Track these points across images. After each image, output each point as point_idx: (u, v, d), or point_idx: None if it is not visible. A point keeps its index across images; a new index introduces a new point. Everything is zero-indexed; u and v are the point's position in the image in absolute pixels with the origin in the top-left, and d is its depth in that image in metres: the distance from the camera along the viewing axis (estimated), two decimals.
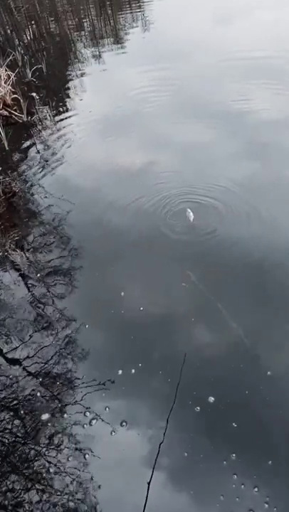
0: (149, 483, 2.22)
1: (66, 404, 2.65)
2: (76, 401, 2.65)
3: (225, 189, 4.07)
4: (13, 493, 2.31)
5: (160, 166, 4.55)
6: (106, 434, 2.46)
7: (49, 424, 2.55)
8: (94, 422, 2.52)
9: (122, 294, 3.24)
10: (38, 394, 2.72)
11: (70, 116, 6.08)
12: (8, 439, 2.55)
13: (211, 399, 2.51)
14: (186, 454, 2.33)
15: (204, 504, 2.17)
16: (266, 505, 2.11)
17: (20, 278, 3.64)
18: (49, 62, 7.97)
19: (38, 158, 5.18)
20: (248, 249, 3.44)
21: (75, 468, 2.36)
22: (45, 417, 2.59)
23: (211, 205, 3.92)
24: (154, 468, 2.27)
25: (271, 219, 3.69)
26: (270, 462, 2.25)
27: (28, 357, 2.97)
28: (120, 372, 2.73)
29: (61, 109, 6.33)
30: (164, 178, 4.34)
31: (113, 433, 2.46)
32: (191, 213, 3.77)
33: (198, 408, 2.48)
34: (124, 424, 2.49)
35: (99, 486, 2.28)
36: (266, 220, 3.69)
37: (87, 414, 2.57)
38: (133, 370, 2.73)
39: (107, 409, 2.58)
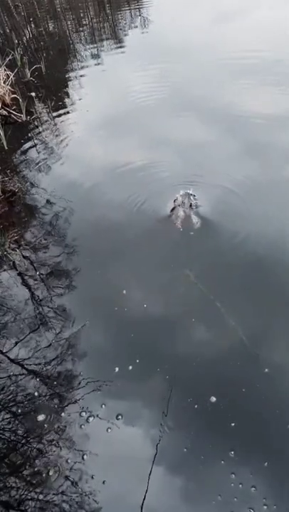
0: (148, 483, 2.22)
1: (65, 402, 2.65)
2: (75, 398, 2.65)
3: (224, 187, 4.06)
4: (12, 492, 2.32)
5: (159, 164, 4.54)
6: (103, 431, 2.46)
7: (47, 422, 2.56)
8: (91, 419, 2.52)
9: (124, 292, 3.24)
10: (36, 393, 2.72)
11: (69, 116, 6.07)
12: (6, 439, 2.55)
13: (209, 397, 2.51)
14: (183, 453, 2.32)
15: (203, 503, 2.17)
16: (265, 507, 2.11)
17: (20, 277, 3.64)
18: (48, 62, 7.97)
19: (37, 158, 5.18)
20: (247, 247, 3.44)
21: (73, 465, 2.36)
22: (43, 415, 2.59)
23: (210, 203, 3.92)
24: (151, 469, 2.27)
25: (271, 217, 3.68)
26: (267, 461, 2.25)
27: (27, 355, 2.97)
28: (117, 369, 2.74)
29: (60, 109, 6.32)
30: (162, 175, 4.34)
31: (109, 430, 2.46)
32: (181, 196, 3.82)
33: (196, 406, 2.48)
34: (120, 420, 2.49)
35: (96, 484, 2.28)
36: (266, 218, 3.69)
37: (85, 411, 2.57)
38: (130, 367, 2.73)
39: (104, 406, 2.58)
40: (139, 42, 8.54)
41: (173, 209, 3.87)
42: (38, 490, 2.30)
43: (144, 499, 2.17)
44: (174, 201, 3.89)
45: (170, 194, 4.05)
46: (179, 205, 3.85)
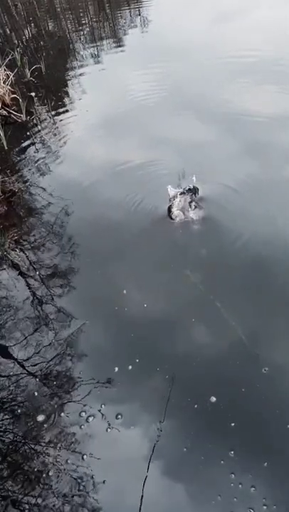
0: (143, 483, 2.22)
1: (64, 402, 2.65)
2: (75, 398, 2.65)
3: (225, 186, 4.06)
4: (12, 493, 2.32)
5: (158, 163, 4.54)
6: (102, 430, 2.46)
7: (46, 422, 2.56)
8: (91, 419, 2.52)
9: (124, 292, 3.24)
10: (36, 393, 2.73)
11: (69, 116, 6.07)
12: (6, 439, 2.56)
13: (209, 397, 2.51)
14: (183, 453, 2.32)
15: (202, 503, 2.18)
16: (265, 507, 2.10)
17: (20, 277, 3.64)
18: (48, 62, 7.96)
19: (37, 158, 5.18)
20: (248, 247, 3.44)
21: (73, 466, 2.36)
22: (42, 415, 2.59)
23: (210, 202, 3.92)
24: (148, 468, 2.27)
25: (272, 217, 3.68)
26: (267, 461, 2.25)
27: (27, 355, 2.97)
28: (117, 369, 2.74)
29: (60, 109, 6.32)
30: (162, 174, 4.34)
31: (108, 430, 2.46)
32: (171, 189, 3.80)
33: (196, 406, 2.48)
34: (119, 419, 2.49)
35: (97, 483, 2.28)
36: (267, 217, 3.68)
37: (85, 411, 2.57)
38: (130, 367, 2.74)
39: (103, 406, 2.58)
40: (139, 41, 8.53)
41: (172, 208, 3.87)
42: (37, 490, 2.30)
43: (143, 499, 2.17)
44: (174, 199, 3.88)
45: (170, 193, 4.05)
46: (178, 204, 3.84)
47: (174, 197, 3.83)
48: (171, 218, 3.80)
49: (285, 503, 2.11)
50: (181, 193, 3.83)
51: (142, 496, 2.19)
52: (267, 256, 3.32)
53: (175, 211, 3.79)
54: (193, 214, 3.79)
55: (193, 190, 3.90)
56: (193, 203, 3.83)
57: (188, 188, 3.88)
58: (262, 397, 2.50)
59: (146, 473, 2.27)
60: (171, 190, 3.81)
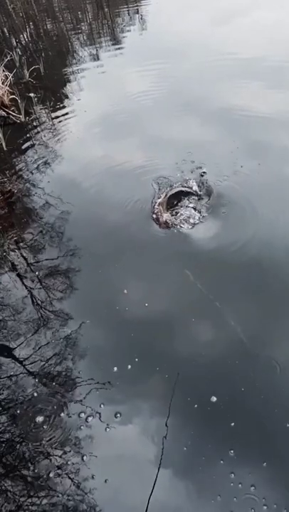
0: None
1: (64, 402, 2.65)
2: (74, 398, 2.66)
3: (224, 186, 4.06)
4: (12, 494, 2.32)
5: (158, 164, 4.54)
6: (102, 430, 2.46)
7: (46, 423, 2.56)
8: (90, 418, 2.53)
9: (125, 291, 3.24)
10: (35, 393, 2.73)
11: (68, 116, 6.07)
12: (5, 440, 2.56)
13: (209, 396, 2.51)
14: (183, 452, 2.33)
15: (202, 502, 2.18)
16: (265, 507, 2.10)
17: (19, 278, 3.64)
18: (47, 63, 7.96)
19: (36, 158, 5.18)
20: (247, 246, 3.44)
21: (73, 466, 2.36)
22: (41, 415, 2.59)
23: (210, 201, 3.92)
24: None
25: (270, 216, 3.68)
26: (267, 461, 2.25)
27: (27, 355, 2.97)
28: (116, 369, 2.74)
29: (59, 109, 6.32)
30: (162, 175, 4.34)
31: (108, 429, 2.46)
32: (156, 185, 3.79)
33: (196, 406, 2.48)
34: (119, 419, 2.50)
35: (97, 483, 2.28)
36: (267, 217, 3.68)
37: (84, 411, 2.57)
38: (129, 366, 2.74)
39: (102, 405, 2.58)
40: (137, 41, 8.53)
41: (171, 207, 3.87)
42: (38, 491, 2.30)
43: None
44: (157, 204, 3.88)
45: (170, 192, 4.05)
46: (176, 204, 3.84)
47: (159, 201, 3.83)
48: (170, 218, 3.79)
49: (285, 503, 2.11)
50: (181, 193, 3.84)
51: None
52: (267, 256, 3.32)
53: (154, 216, 3.79)
54: (193, 213, 3.78)
55: (187, 192, 3.90)
56: (193, 204, 3.83)
57: (181, 188, 3.89)
58: (261, 396, 2.50)
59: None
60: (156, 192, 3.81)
